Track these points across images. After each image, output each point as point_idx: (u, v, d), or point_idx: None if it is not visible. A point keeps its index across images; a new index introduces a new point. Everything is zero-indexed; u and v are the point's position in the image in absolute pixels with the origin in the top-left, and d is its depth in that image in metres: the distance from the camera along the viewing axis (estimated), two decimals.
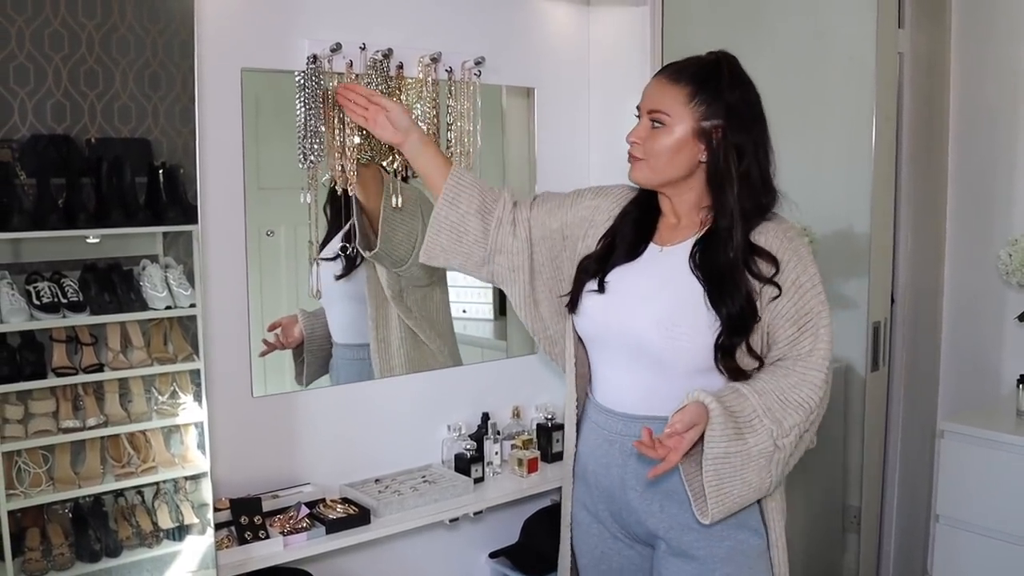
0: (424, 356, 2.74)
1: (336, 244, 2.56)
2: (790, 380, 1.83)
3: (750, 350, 1.85)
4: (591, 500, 2.06)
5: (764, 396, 1.81)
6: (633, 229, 2.00)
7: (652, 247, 1.97)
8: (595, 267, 1.99)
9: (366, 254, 2.56)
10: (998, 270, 3.15)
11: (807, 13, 3.30)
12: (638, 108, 1.94)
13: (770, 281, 1.84)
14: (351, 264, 2.58)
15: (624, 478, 1.96)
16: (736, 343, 1.84)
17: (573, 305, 2.02)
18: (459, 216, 2.12)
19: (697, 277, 1.87)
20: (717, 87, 1.85)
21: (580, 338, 2.07)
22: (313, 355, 2.58)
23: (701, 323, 1.84)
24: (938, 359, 3.47)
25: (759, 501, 1.90)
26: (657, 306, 1.88)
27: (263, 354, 2.45)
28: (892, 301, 3.35)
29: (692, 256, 1.89)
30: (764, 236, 1.87)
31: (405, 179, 2.58)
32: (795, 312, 1.85)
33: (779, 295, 1.84)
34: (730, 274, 1.83)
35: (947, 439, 2.98)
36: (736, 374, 1.85)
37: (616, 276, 1.96)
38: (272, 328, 2.48)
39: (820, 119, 3.29)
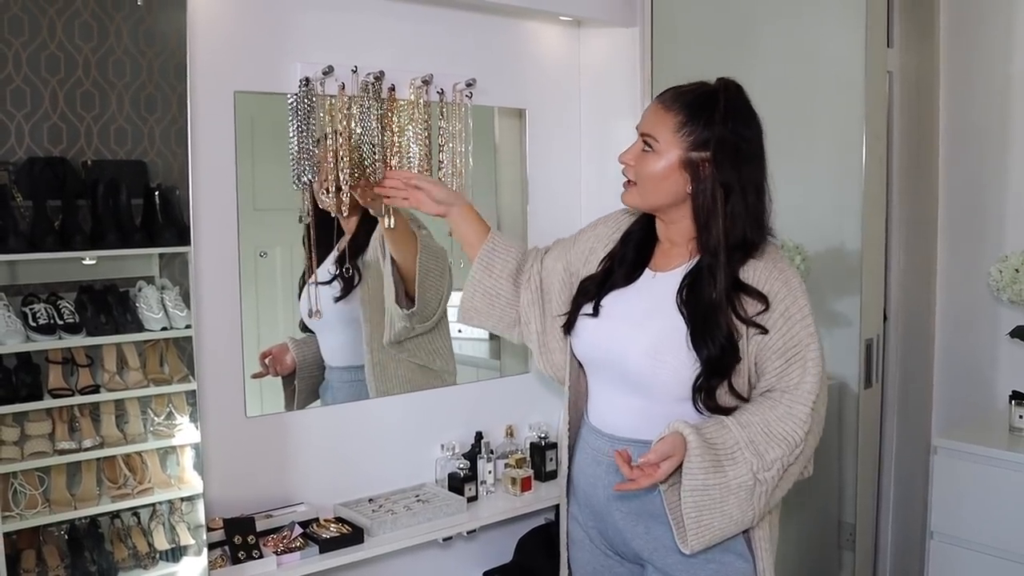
0: (421, 377, 2.76)
1: (329, 266, 2.57)
2: (776, 412, 1.80)
3: (732, 390, 1.83)
4: (583, 518, 2.06)
5: (748, 428, 1.78)
6: (634, 251, 1.98)
7: (647, 272, 1.96)
8: (593, 290, 1.99)
9: (404, 311, 2.63)
10: (989, 287, 3.17)
11: (796, 33, 3.32)
12: (637, 128, 1.92)
13: (754, 324, 1.80)
14: (349, 286, 2.60)
15: (610, 498, 1.95)
16: (715, 384, 1.81)
17: (569, 326, 2.02)
18: (492, 281, 2.17)
19: (682, 313, 1.84)
20: (709, 118, 1.81)
21: (578, 360, 2.07)
22: (304, 382, 2.59)
23: (683, 357, 1.82)
24: (931, 376, 3.47)
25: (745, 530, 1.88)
26: (644, 333, 1.86)
27: (256, 376, 2.46)
28: (885, 318, 3.36)
29: (680, 290, 1.87)
30: (753, 272, 1.83)
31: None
32: (783, 344, 1.82)
33: (766, 333, 1.81)
34: (713, 314, 1.80)
35: (941, 455, 2.98)
36: (717, 412, 1.82)
37: (611, 300, 1.95)
38: (263, 357, 2.49)
39: (810, 138, 3.31)
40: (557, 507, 2.83)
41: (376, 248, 2.63)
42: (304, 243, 2.51)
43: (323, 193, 2.45)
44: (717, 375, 1.81)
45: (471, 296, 2.19)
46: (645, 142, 1.87)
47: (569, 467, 2.10)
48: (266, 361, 2.49)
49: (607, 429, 1.96)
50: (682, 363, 1.82)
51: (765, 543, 1.90)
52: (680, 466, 1.74)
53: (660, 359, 1.83)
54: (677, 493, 1.78)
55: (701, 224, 1.85)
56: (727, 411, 1.83)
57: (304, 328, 2.58)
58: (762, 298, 1.81)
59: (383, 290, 2.66)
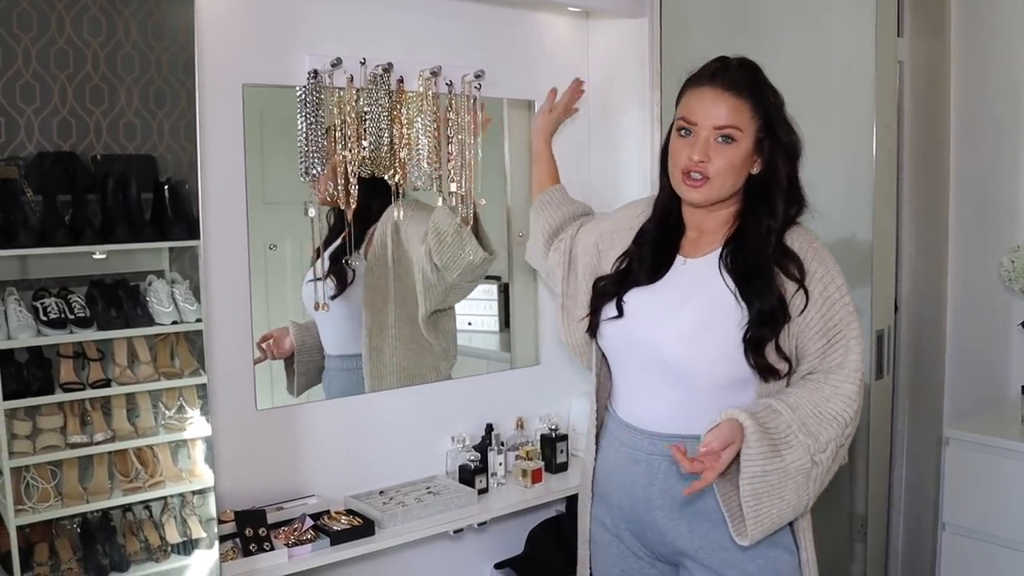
0: (416, 366, 2.74)
1: (326, 261, 2.56)
2: (823, 393, 1.79)
3: (779, 350, 1.81)
4: (611, 519, 2.02)
5: (798, 411, 1.76)
6: (652, 252, 1.96)
7: (677, 259, 1.94)
8: (612, 289, 1.96)
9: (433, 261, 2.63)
10: (1001, 277, 3.16)
11: (806, 23, 3.30)
12: (690, 123, 1.84)
13: (800, 283, 1.81)
14: (343, 283, 2.60)
15: (650, 497, 1.91)
16: (766, 336, 1.79)
17: (593, 329, 2.00)
18: (537, 227, 2.42)
19: (726, 279, 1.84)
20: (765, 95, 1.84)
21: (603, 352, 2.05)
22: (304, 366, 2.58)
23: (729, 324, 1.80)
24: (942, 366, 3.46)
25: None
26: (679, 320, 1.85)
27: (257, 361, 2.46)
28: (896, 309, 3.34)
29: (723, 259, 1.87)
30: (791, 241, 1.86)
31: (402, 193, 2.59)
32: (823, 324, 1.82)
33: (806, 307, 1.81)
34: (766, 269, 1.81)
35: (952, 446, 2.97)
36: (767, 373, 1.81)
37: (633, 298, 1.93)
38: (263, 340, 2.49)
39: (820, 128, 3.29)
40: (568, 499, 2.84)
41: (386, 235, 2.63)
42: (312, 236, 2.50)
43: (330, 185, 2.45)
44: (767, 326, 1.79)
45: (533, 239, 2.46)
46: (724, 135, 1.81)
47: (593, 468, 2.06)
48: (263, 345, 2.49)
49: (644, 425, 1.92)
50: (722, 343, 1.81)
51: (808, 534, 1.89)
52: (736, 455, 1.72)
53: (698, 343, 1.82)
54: (730, 484, 1.75)
55: (768, 195, 1.86)
56: (776, 373, 1.81)
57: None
58: (800, 266, 1.83)
59: (387, 277, 2.65)
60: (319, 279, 2.51)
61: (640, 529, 1.96)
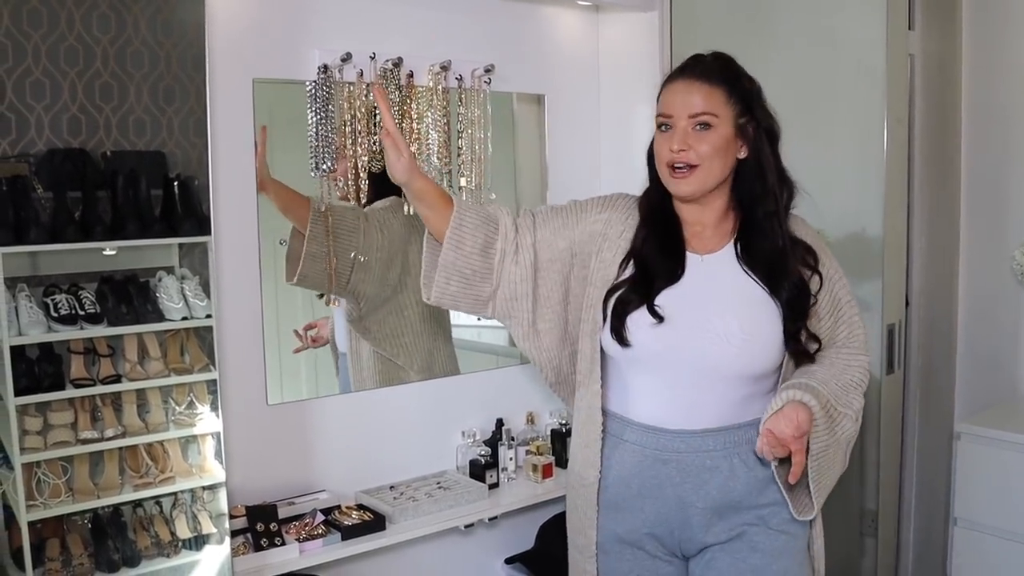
0: (394, 370, 2.72)
1: None
2: (839, 366, 1.90)
3: (808, 331, 1.88)
4: (626, 528, 1.94)
5: (827, 385, 1.84)
6: (660, 249, 1.90)
7: (691, 257, 1.90)
8: (639, 296, 1.86)
9: (291, 282, 2.49)
10: (1013, 271, 3.14)
11: (816, 16, 3.29)
12: (667, 117, 1.85)
13: (815, 270, 1.88)
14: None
15: (683, 496, 1.87)
16: (800, 325, 1.86)
17: (622, 339, 1.86)
18: (464, 260, 1.95)
19: (751, 273, 1.86)
20: (740, 82, 1.86)
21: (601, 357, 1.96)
22: (335, 358, 2.63)
23: (770, 321, 1.84)
24: (954, 361, 3.45)
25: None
26: (720, 319, 1.82)
27: (296, 351, 2.51)
28: (907, 303, 3.33)
29: (739, 257, 1.88)
30: (795, 230, 1.91)
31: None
32: (829, 305, 1.92)
33: (820, 287, 1.89)
34: (782, 260, 1.85)
35: (964, 441, 2.96)
36: (802, 358, 1.89)
37: (666, 299, 1.85)
38: (308, 328, 2.53)
39: (831, 122, 3.28)
40: None
41: (374, 232, 2.63)
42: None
43: (341, 180, 2.45)
44: (800, 316, 1.86)
45: (446, 280, 1.95)
46: (701, 122, 1.81)
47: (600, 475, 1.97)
48: (302, 332, 2.53)
49: (672, 425, 1.87)
50: (771, 327, 1.84)
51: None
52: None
53: (753, 337, 1.82)
54: (787, 464, 1.80)
55: (759, 179, 1.87)
56: (809, 356, 1.89)
57: None
58: (810, 251, 1.90)
59: (368, 273, 2.65)
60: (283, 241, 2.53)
61: (667, 530, 1.91)
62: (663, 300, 1.85)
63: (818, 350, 1.90)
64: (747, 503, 1.86)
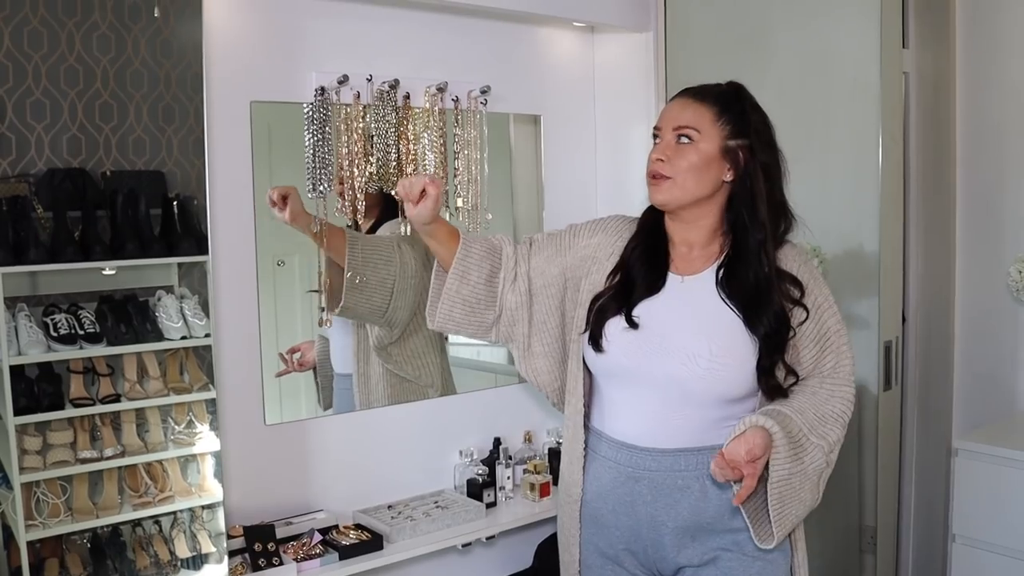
0: (405, 391, 2.73)
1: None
2: (821, 396, 1.87)
3: (785, 365, 1.87)
4: (607, 542, 1.97)
5: (804, 414, 1.82)
6: (645, 262, 1.95)
7: (672, 278, 1.93)
8: (617, 304, 1.92)
9: (333, 314, 2.52)
10: (1009, 287, 3.15)
11: (810, 35, 3.31)
12: (657, 128, 1.92)
13: (800, 304, 1.87)
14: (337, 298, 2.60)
15: (655, 515, 1.89)
16: (776, 360, 1.84)
17: (597, 343, 1.92)
18: (469, 289, 2.03)
19: (728, 303, 1.86)
20: (741, 109, 1.87)
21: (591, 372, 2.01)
22: (325, 380, 2.61)
23: (741, 349, 1.83)
24: (951, 377, 3.45)
25: None
26: (691, 340, 1.84)
27: (279, 374, 2.48)
28: (903, 320, 3.34)
29: (719, 283, 1.88)
30: (784, 260, 1.90)
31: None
32: (816, 333, 1.89)
33: (806, 319, 1.87)
34: (766, 291, 1.84)
35: (961, 457, 2.96)
36: (775, 392, 1.85)
37: (643, 310, 1.90)
38: (292, 351, 2.51)
39: (826, 140, 3.30)
40: None
41: (409, 259, 2.65)
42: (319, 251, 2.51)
43: (338, 201, 2.46)
44: (777, 351, 1.84)
45: (450, 308, 2.03)
46: (682, 135, 1.86)
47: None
48: (287, 356, 2.52)
49: (643, 443, 1.89)
50: (743, 357, 1.83)
51: (801, 533, 1.94)
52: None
53: (722, 361, 1.83)
54: (753, 491, 1.77)
55: (747, 207, 1.87)
56: (782, 391, 1.86)
57: None
58: (798, 283, 1.88)
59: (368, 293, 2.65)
60: (315, 291, 2.53)
61: (640, 547, 1.93)
62: (640, 311, 1.90)
63: (794, 383, 1.88)
64: (719, 526, 1.86)
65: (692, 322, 1.87)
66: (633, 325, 1.89)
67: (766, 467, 1.75)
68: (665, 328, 1.87)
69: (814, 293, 1.89)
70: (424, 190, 1.92)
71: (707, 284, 1.89)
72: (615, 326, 1.91)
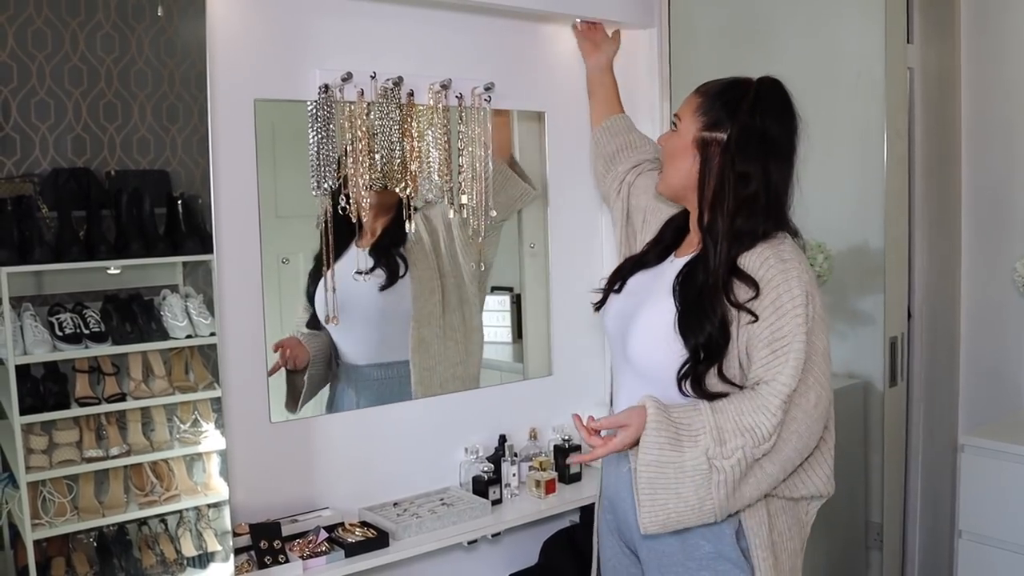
0: (462, 374, 2.80)
1: (363, 258, 2.57)
2: (749, 404, 1.75)
3: (722, 376, 1.80)
4: (610, 516, 2.08)
5: (720, 415, 1.75)
6: (672, 235, 2.04)
7: (671, 256, 2.01)
8: (627, 268, 2.05)
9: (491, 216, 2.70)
10: (1014, 282, 3.15)
11: (815, 31, 3.31)
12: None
13: (744, 309, 1.78)
14: (394, 275, 2.63)
15: (618, 487, 1.97)
16: (702, 371, 1.80)
17: (601, 303, 2.07)
18: (599, 148, 2.54)
19: (675, 299, 1.85)
20: (734, 105, 1.84)
21: None
22: (314, 379, 2.58)
23: (674, 344, 1.83)
24: (957, 373, 3.45)
25: (736, 533, 1.84)
26: (645, 314, 1.90)
27: (272, 371, 2.46)
28: (909, 316, 3.34)
29: (678, 276, 1.88)
30: (751, 258, 1.81)
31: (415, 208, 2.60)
32: (770, 335, 1.77)
33: (756, 320, 1.78)
34: (703, 300, 1.80)
35: (967, 453, 2.96)
36: (706, 398, 1.80)
37: (635, 280, 2.01)
38: (277, 348, 2.48)
39: (831, 136, 3.30)
40: (582, 510, 2.84)
41: (422, 232, 2.68)
42: (322, 249, 2.50)
43: (343, 198, 2.46)
44: (705, 361, 1.80)
45: (595, 158, 2.60)
46: (672, 122, 1.94)
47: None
48: (279, 351, 2.49)
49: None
50: (679, 347, 1.83)
51: (764, 551, 1.84)
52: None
53: (655, 343, 1.85)
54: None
55: (706, 206, 1.86)
56: (716, 397, 1.80)
57: (311, 325, 2.57)
58: (753, 284, 1.79)
59: (433, 280, 2.71)
60: (360, 273, 2.56)
61: (621, 523, 2.01)
62: (635, 280, 2.01)
63: (731, 391, 1.81)
64: None
65: (654, 299, 1.91)
66: (619, 289, 2.01)
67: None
68: (635, 299, 1.95)
69: (777, 290, 1.77)
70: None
71: (676, 270, 1.91)
72: (613, 289, 2.05)
